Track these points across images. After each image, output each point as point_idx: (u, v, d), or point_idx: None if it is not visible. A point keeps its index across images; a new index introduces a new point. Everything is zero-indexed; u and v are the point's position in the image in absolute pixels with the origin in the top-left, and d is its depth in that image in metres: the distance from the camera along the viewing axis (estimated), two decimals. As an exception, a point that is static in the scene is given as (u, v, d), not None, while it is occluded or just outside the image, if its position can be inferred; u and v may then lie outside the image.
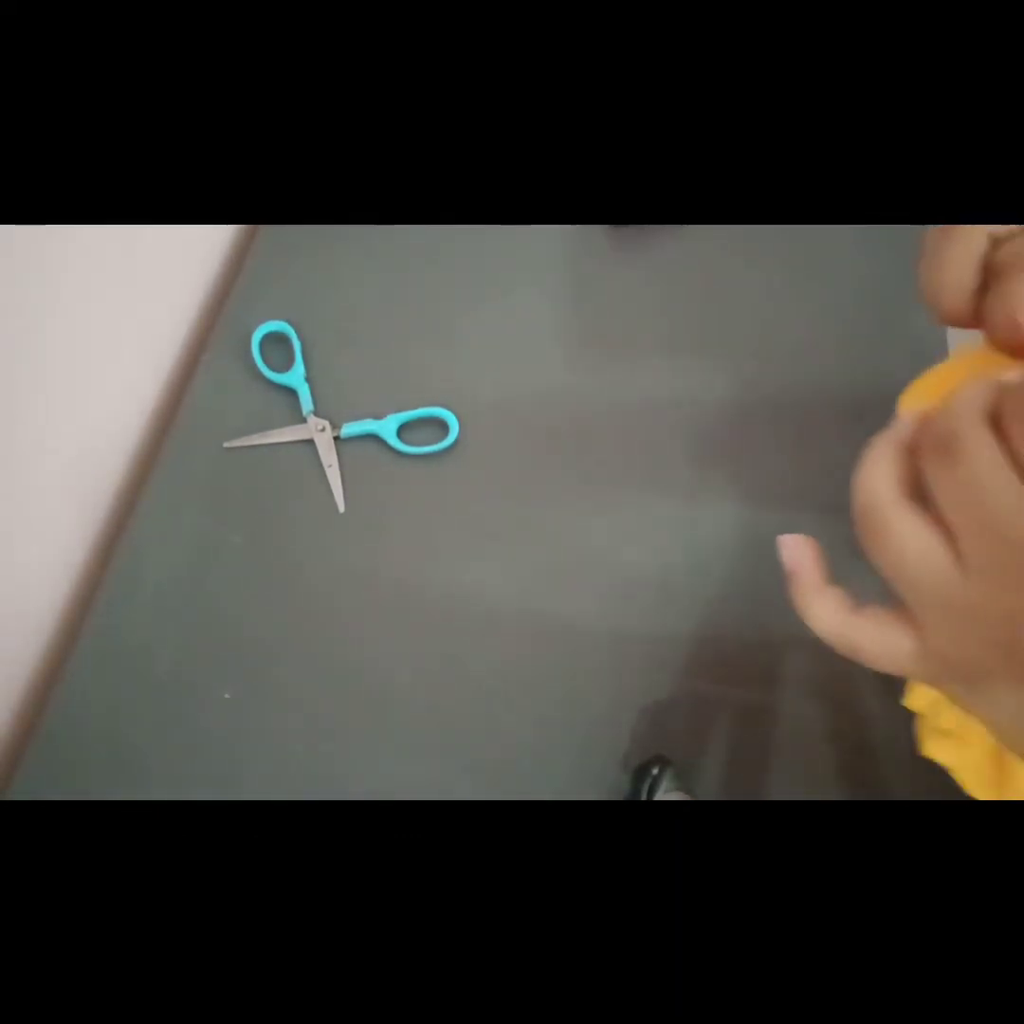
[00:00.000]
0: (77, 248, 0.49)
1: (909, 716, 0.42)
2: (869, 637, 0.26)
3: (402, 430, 0.56)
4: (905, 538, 0.23)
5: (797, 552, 0.28)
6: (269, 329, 0.59)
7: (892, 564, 0.24)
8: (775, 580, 0.54)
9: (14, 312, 0.46)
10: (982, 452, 0.22)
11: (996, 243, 0.27)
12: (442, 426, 0.56)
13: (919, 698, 0.38)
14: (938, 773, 0.39)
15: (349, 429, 0.56)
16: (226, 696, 0.50)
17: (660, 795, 0.44)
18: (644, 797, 0.44)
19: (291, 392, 0.58)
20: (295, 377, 0.58)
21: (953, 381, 0.30)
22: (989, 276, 0.27)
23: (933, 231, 0.29)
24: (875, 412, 0.30)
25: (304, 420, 0.57)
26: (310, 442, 0.56)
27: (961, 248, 0.27)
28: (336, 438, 0.56)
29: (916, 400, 0.30)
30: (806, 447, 0.55)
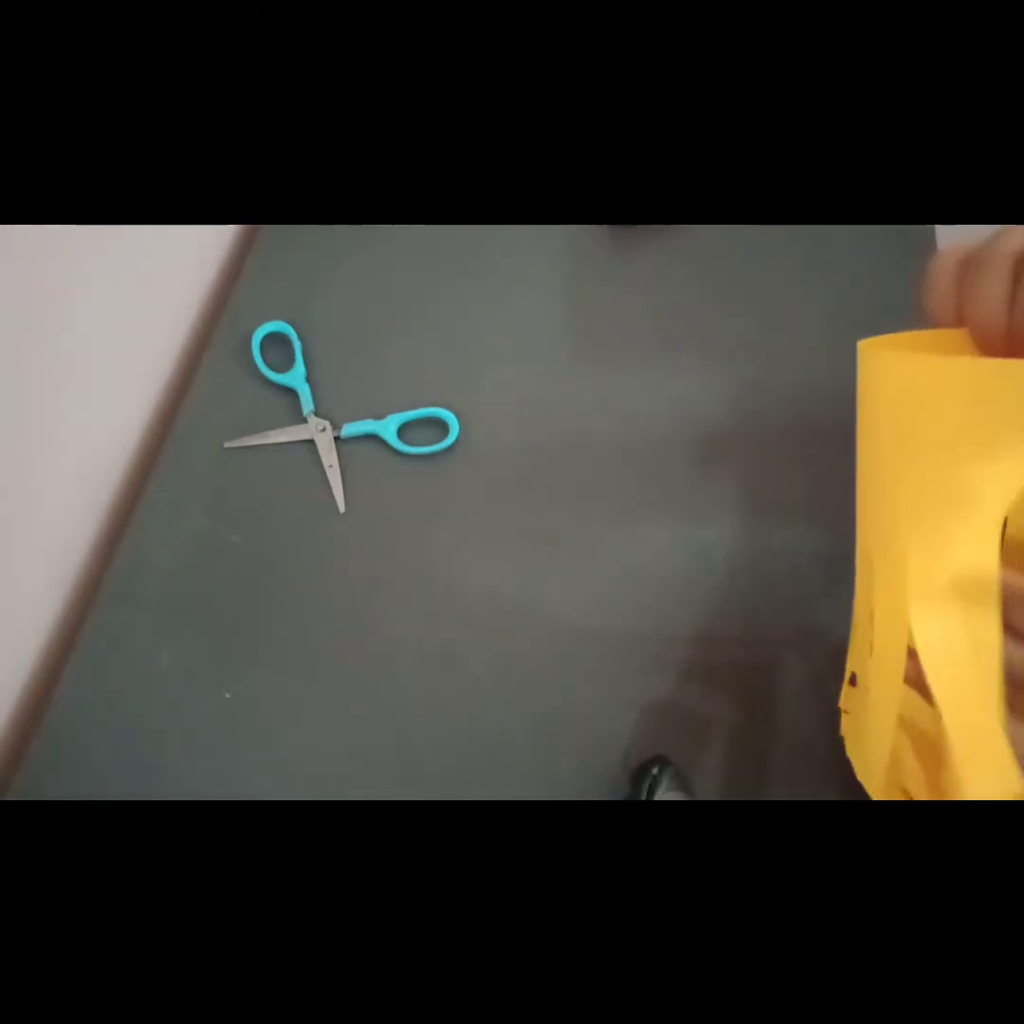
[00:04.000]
0: (77, 248, 0.49)
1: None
2: None
3: (402, 430, 0.57)
4: None
5: None
6: (269, 329, 0.59)
7: None
8: (775, 580, 0.54)
9: (14, 312, 0.46)
10: None
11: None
12: (442, 426, 0.56)
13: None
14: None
15: (349, 429, 0.56)
16: (226, 696, 0.50)
17: (660, 795, 0.44)
18: (644, 797, 0.44)
19: (291, 392, 0.58)
20: (295, 377, 0.58)
21: (911, 348, 0.29)
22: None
23: (943, 268, 0.29)
24: (875, 412, 0.30)
25: (304, 420, 0.57)
26: (310, 442, 0.56)
27: (994, 281, 0.27)
28: (336, 438, 0.56)
29: (878, 348, 0.29)
30: (805, 447, 0.55)
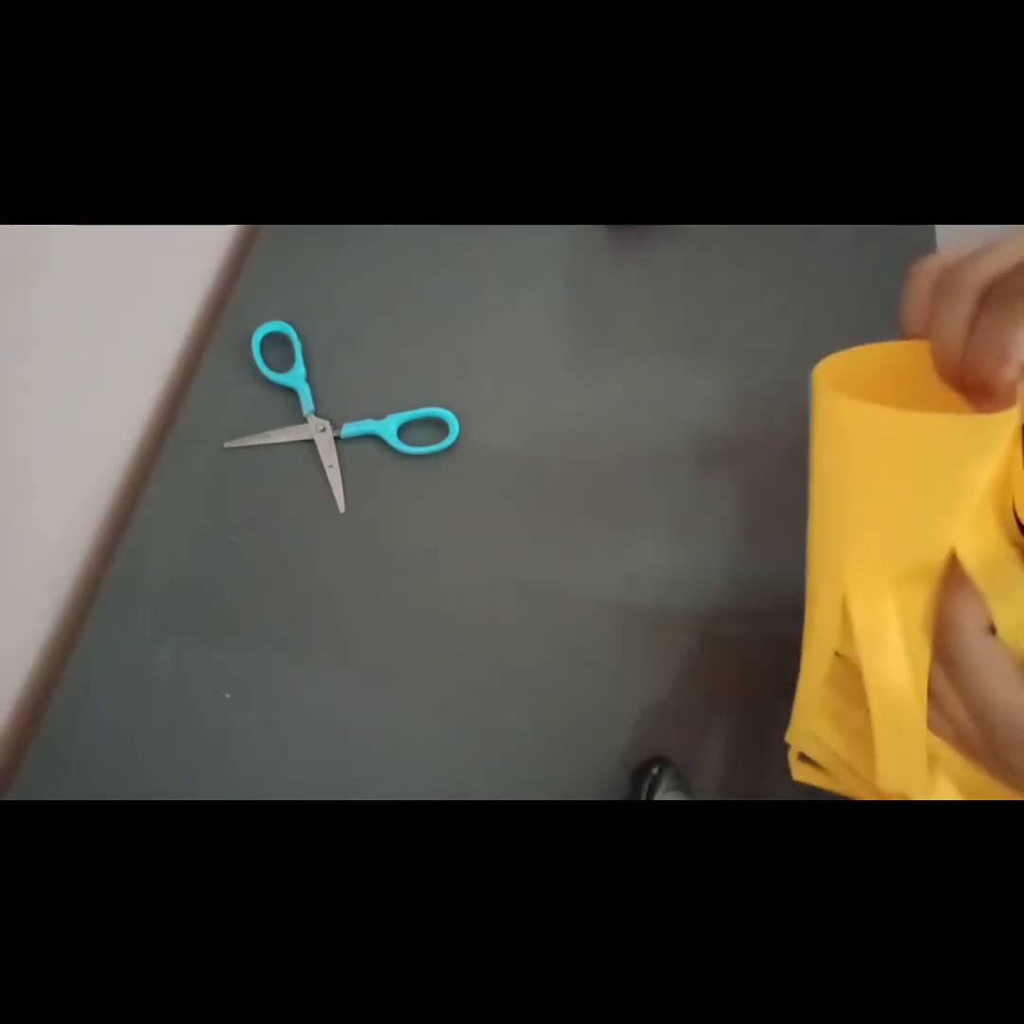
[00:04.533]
0: (77, 248, 0.49)
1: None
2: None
3: (402, 430, 0.56)
4: None
5: None
6: (269, 329, 0.59)
7: None
8: (775, 580, 0.54)
9: (14, 312, 0.46)
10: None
11: (989, 286, 0.26)
12: (442, 426, 0.56)
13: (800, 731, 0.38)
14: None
15: (349, 429, 0.56)
16: (226, 696, 0.50)
17: (660, 795, 0.44)
18: (644, 797, 0.44)
19: (291, 392, 0.58)
20: (295, 377, 0.58)
21: (866, 365, 0.29)
22: (982, 305, 0.26)
23: (921, 279, 0.29)
24: (875, 412, 0.30)
25: (304, 420, 0.57)
26: (310, 442, 0.56)
27: (958, 304, 0.26)
28: (336, 438, 0.56)
29: (829, 373, 0.30)
30: (805, 447, 0.54)
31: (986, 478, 0.25)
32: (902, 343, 0.29)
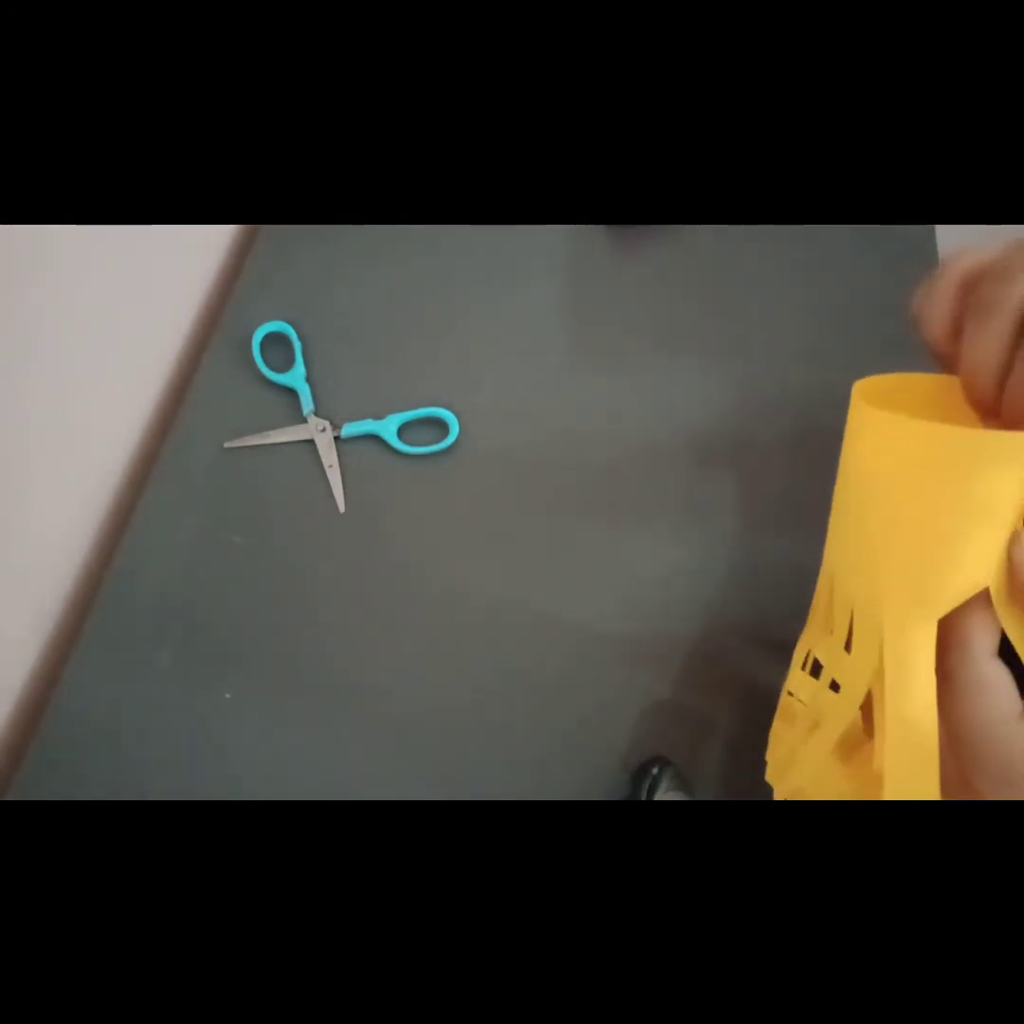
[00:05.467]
0: (77, 248, 0.49)
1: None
2: None
3: (402, 430, 0.57)
4: None
5: None
6: (269, 329, 0.59)
7: None
8: (776, 581, 0.54)
9: (14, 312, 0.46)
10: None
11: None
12: (442, 426, 0.56)
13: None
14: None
15: (349, 429, 0.56)
16: (226, 696, 0.50)
17: (660, 795, 0.44)
18: (644, 797, 0.44)
19: (291, 392, 0.58)
20: (295, 377, 0.58)
21: (904, 393, 0.29)
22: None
23: (945, 286, 0.27)
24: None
25: (304, 420, 0.57)
26: (310, 442, 0.56)
27: (993, 330, 0.25)
28: (336, 438, 0.56)
29: (867, 391, 0.29)
30: (806, 449, 0.55)
31: (1018, 503, 0.25)
32: (939, 377, 0.28)
